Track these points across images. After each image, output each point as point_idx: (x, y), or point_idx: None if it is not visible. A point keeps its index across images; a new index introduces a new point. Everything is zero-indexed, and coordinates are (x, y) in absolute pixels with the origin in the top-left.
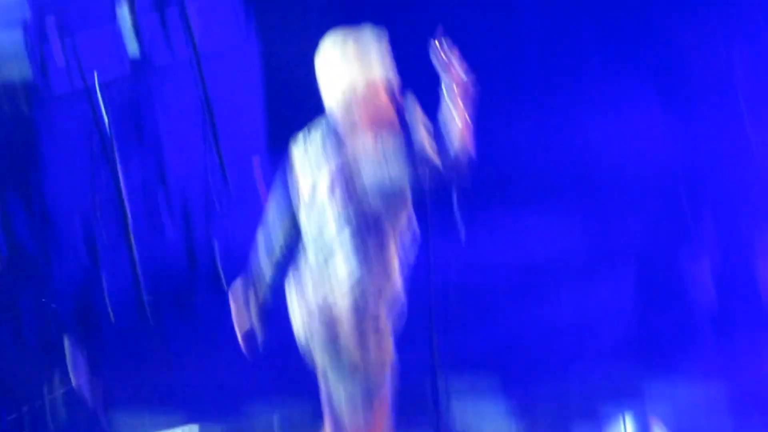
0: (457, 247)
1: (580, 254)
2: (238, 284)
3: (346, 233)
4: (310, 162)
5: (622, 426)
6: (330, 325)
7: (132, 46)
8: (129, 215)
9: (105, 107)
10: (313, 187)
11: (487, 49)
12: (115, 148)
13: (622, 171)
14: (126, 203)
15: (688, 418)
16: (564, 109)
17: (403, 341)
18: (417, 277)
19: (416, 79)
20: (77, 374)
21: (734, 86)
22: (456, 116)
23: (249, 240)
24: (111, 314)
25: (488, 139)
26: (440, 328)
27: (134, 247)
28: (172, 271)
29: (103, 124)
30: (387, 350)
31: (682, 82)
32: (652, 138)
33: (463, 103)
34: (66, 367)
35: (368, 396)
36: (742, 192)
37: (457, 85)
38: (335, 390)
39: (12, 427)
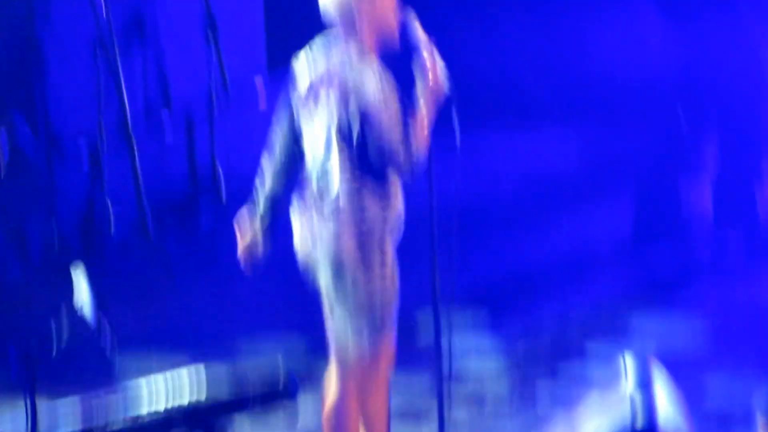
0: (457, 171)
1: (577, 176)
2: (244, 208)
3: (345, 155)
4: (312, 80)
5: (622, 365)
6: (335, 256)
7: None
8: (131, 129)
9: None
10: (314, 106)
11: None
12: (118, 54)
13: (622, 89)
14: (128, 111)
15: (682, 351)
16: (562, 21)
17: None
18: (417, 205)
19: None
20: (82, 302)
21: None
22: (422, 118)
23: (250, 156)
24: (112, 228)
25: (485, 56)
26: (442, 262)
27: (137, 157)
28: (174, 187)
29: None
30: (392, 283)
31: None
32: (653, 53)
33: (431, 108)
34: (71, 292)
35: (374, 330)
36: (746, 111)
37: (432, 91)
38: (341, 324)
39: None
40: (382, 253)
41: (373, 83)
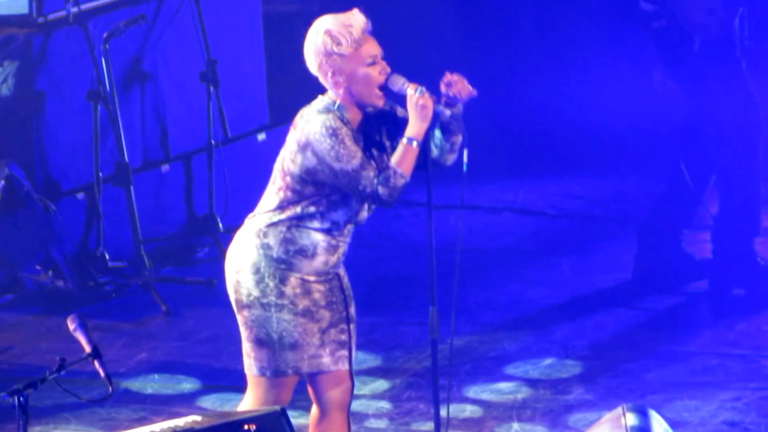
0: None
1: (579, 221)
2: None
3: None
4: None
5: (622, 417)
6: None
7: None
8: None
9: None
10: None
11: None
12: (117, 104)
13: (625, 139)
14: (126, 157)
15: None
16: (568, 75)
17: None
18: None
19: None
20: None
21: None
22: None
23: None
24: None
25: (491, 108)
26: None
27: (135, 204)
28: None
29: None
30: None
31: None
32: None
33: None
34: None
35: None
36: (745, 162)
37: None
38: None
39: None
40: None
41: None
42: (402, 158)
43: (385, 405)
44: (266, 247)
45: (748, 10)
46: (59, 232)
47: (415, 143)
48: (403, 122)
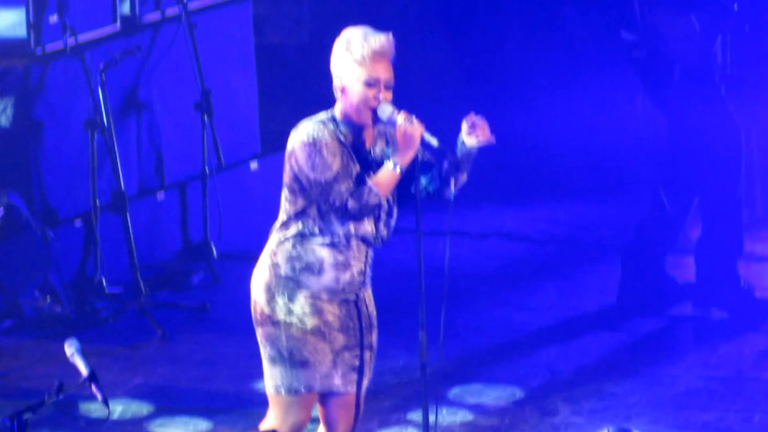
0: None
1: (565, 246)
2: None
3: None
4: None
5: None
6: None
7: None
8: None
9: (102, 89)
10: None
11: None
12: (114, 133)
13: (609, 167)
14: (122, 185)
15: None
16: (553, 103)
17: None
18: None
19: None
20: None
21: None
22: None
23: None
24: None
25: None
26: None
27: (131, 231)
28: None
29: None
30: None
31: None
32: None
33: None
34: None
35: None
36: (726, 189)
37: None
38: None
39: None
40: None
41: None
42: (381, 179)
43: (375, 427)
44: (276, 266)
45: (727, 37)
46: (57, 258)
47: (398, 168)
48: None
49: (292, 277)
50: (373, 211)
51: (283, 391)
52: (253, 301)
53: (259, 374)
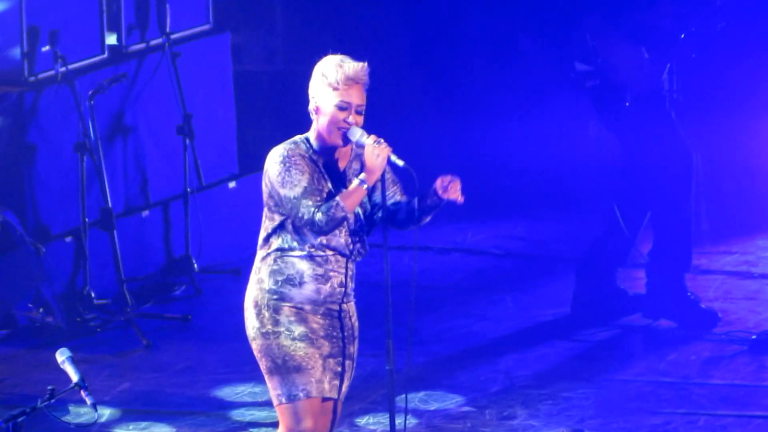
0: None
1: (523, 259)
2: None
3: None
4: None
5: None
6: None
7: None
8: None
9: (91, 114)
10: None
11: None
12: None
13: (566, 185)
14: (109, 202)
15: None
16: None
17: None
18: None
19: None
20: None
21: None
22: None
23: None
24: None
25: (439, 157)
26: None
27: (117, 246)
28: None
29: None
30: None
31: None
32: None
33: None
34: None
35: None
36: (676, 208)
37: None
38: None
39: None
40: None
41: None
42: (349, 195)
43: (345, 430)
44: (260, 281)
45: (675, 65)
46: (49, 272)
47: (365, 186)
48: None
49: (276, 290)
50: (340, 224)
51: (284, 400)
52: (246, 318)
53: (238, 380)
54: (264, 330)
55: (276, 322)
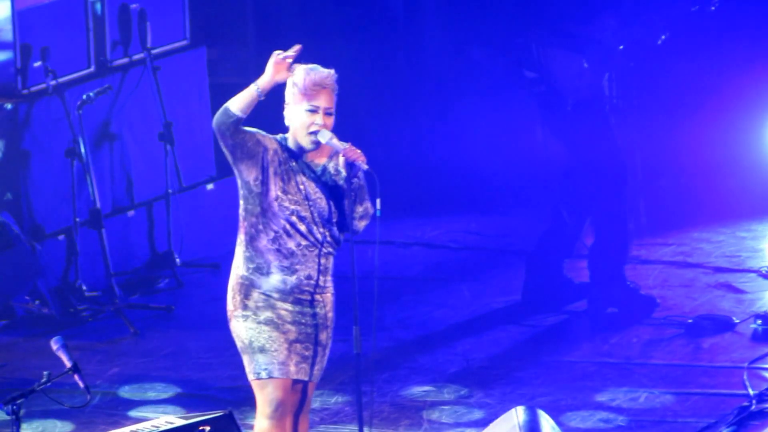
0: (376, 248)
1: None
2: None
3: None
4: None
5: (514, 416)
6: None
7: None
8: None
9: (80, 122)
10: None
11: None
12: (90, 160)
13: (515, 182)
14: (98, 203)
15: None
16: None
17: None
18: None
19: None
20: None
21: None
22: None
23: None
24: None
25: (402, 159)
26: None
27: (106, 244)
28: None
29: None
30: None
31: None
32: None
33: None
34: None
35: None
36: (614, 207)
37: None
38: None
39: None
40: None
41: None
42: (238, 96)
43: (316, 408)
44: (236, 267)
45: (614, 73)
46: (44, 267)
47: (256, 88)
48: (340, 189)
49: (247, 277)
50: (226, 121)
51: (252, 377)
52: (227, 300)
53: (219, 365)
54: (235, 312)
55: (245, 306)
